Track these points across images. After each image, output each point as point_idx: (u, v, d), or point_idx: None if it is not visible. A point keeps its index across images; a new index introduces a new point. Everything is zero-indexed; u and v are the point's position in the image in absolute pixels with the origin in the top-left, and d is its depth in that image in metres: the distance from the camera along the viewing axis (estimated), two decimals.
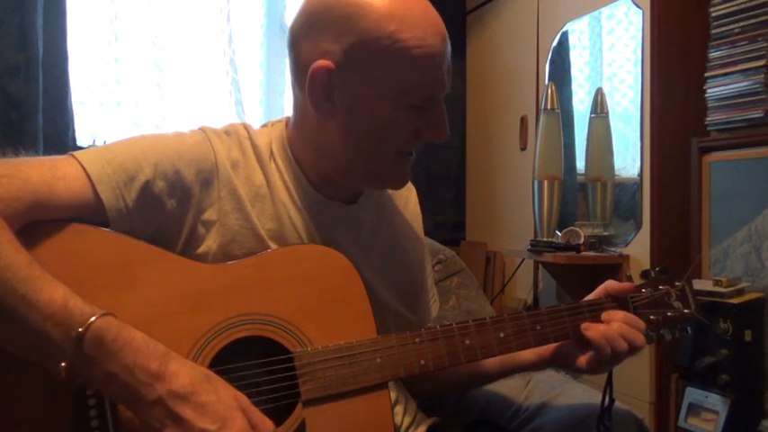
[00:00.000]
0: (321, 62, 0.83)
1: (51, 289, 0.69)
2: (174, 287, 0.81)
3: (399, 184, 0.95)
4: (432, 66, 0.84)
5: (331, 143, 0.89)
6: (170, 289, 0.80)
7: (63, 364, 0.67)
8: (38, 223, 0.75)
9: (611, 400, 0.97)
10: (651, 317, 0.96)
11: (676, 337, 0.99)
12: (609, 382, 0.97)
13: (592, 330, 0.91)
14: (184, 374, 0.70)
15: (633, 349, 0.91)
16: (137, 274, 0.79)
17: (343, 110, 0.86)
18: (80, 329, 0.67)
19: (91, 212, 0.79)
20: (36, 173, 0.76)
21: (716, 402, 1.63)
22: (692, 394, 1.70)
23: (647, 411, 1.81)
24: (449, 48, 0.87)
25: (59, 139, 2.10)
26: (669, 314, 0.98)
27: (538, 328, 0.92)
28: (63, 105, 2.12)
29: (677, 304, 0.98)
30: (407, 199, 1.08)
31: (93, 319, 0.68)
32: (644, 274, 1.01)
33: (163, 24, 2.32)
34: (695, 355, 1.67)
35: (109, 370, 0.68)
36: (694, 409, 1.69)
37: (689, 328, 1.00)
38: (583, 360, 0.92)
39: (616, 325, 0.92)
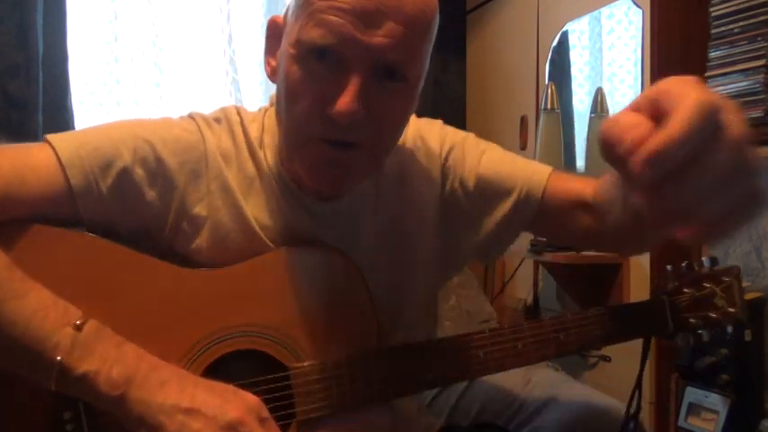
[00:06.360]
0: (275, 16, 0.80)
1: (36, 290, 0.67)
2: (158, 299, 0.75)
3: (309, 178, 0.77)
4: (330, 8, 0.68)
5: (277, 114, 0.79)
6: (153, 301, 0.75)
7: (58, 357, 0.64)
8: (7, 227, 0.70)
9: (638, 407, 0.92)
10: (691, 320, 0.88)
11: (713, 336, 0.90)
12: (638, 384, 0.92)
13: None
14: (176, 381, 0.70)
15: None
16: (116, 285, 0.73)
17: (278, 71, 0.77)
18: (78, 321, 0.66)
19: (64, 203, 0.73)
20: (6, 162, 0.70)
21: (716, 402, 1.63)
22: (692, 394, 1.70)
23: (647, 411, 1.80)
24: (385, 8, 0.68)
25: None
26: (712, 316, 0.88)
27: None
28: (63, 105, 2.11)
29: (721, 303, 0.88)
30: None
31: (82, 321, 0.67)
32: (687, 268, 0.91)
33: (163, 24, 2.32)
34: (695, 354, 1.66)
35: (114, 354, 0.67)
36: (694, 409, 1.68)
37: (729, 328, 0.89)
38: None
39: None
